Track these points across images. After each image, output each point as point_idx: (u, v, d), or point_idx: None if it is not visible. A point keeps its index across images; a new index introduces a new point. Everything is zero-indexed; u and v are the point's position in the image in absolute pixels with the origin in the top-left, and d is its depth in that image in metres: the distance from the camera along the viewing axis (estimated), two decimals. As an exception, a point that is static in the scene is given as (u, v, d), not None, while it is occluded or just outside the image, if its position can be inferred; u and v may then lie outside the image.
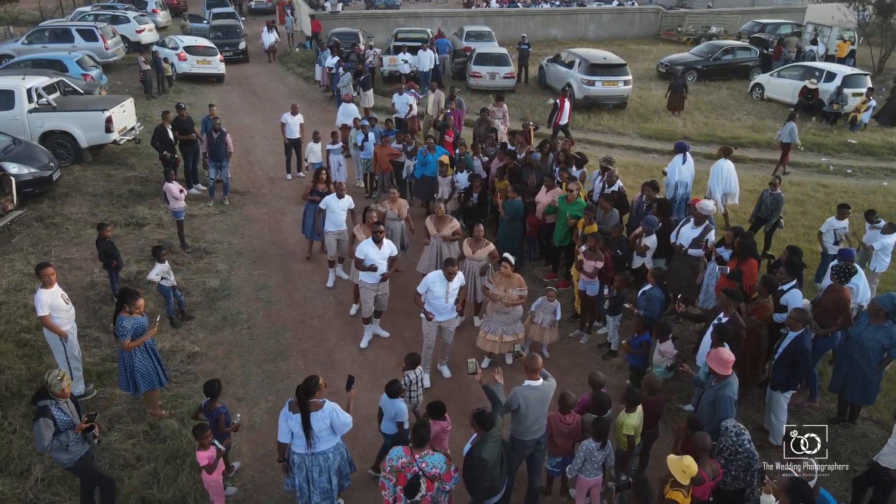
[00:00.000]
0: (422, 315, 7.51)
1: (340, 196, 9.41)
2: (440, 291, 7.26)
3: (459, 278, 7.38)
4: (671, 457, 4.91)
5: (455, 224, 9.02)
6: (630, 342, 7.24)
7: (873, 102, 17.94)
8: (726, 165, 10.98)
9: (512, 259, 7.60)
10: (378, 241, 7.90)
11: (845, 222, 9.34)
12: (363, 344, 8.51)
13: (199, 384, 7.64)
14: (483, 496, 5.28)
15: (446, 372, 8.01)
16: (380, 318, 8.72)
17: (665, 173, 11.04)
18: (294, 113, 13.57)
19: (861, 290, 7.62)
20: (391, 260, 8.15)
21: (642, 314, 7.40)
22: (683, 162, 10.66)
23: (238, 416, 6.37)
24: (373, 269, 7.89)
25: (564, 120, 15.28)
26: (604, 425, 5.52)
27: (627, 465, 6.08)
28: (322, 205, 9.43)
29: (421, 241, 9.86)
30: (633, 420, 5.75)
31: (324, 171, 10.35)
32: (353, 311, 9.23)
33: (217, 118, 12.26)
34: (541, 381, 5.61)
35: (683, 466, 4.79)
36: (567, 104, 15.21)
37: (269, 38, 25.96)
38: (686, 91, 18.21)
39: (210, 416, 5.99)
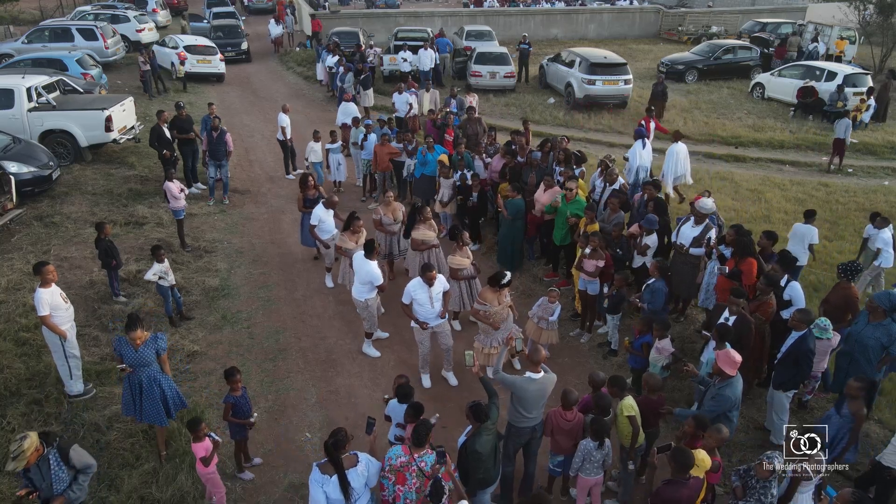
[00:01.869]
0: (413, 325, 7.40)
1: (330, 208, 9.33)
2: (423, 298, 7.18)
3: (441, 282, 7.30)
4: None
5: (434, 225, 9.09)
6: (632, 343, 7.22)
7: (872, 102, 17.86)
8: (679, 148, 11.63)
9: (506, 279, 7.33)
10: (374, 257, 7.78)
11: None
12: (376, 353, 8.33)
13: (198, 383, 7.65)
14: (476, 487, 5.36)
15: (452, 380, 7.85)
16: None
17: (626, 158, 11.63)
18: (287, 112, 13.61)
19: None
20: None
21: (646, 307, 7.42)
22: (643, 147, 11.32)
23: (255, 414, 6.30)
24: (382, 288, 7.86)
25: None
26: (601, 425, 5.51)
27: (635, 458, 6.02)
28: (314, 220, 9.32)
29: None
30: (628, 400, 5.75)
31: (311, 177, 10.22)
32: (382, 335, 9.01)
33: (217, 117, 12.25)
34: (542, 374, 5.70)
35: (697, 461, 4.80)
36: (653, 125, 13.51)
37: (276, 29, 26.54)
38: (665, 98, 17.88)
39: (227, 399, 6.04)
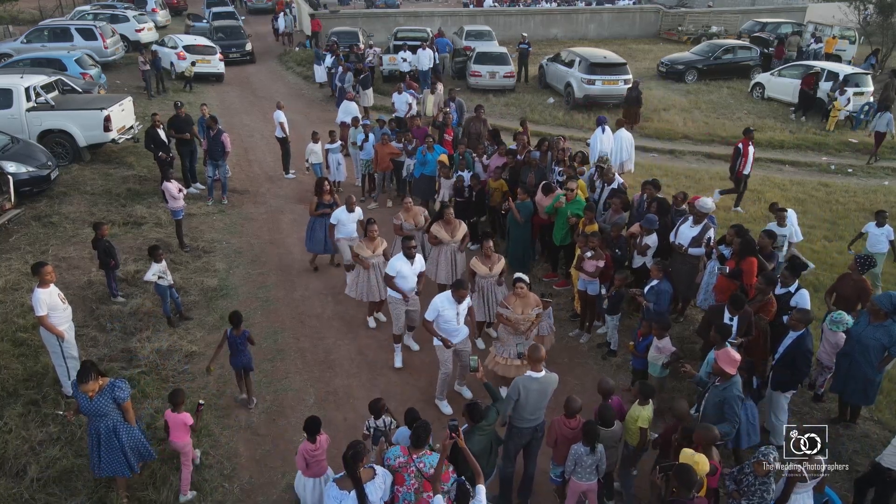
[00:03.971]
0: (436, 342, 7.04)
1: (351, 210, 9.20)
2: (450, 315, 6.83)
3: (467, 299, 7.03)
4: (685, 451, 4.90)
5: (464, 227, 8.81)
6: (636, 345, 7.18)
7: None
8: (625, 135, 12.27)
9: (526, 279, 7.17)
10: (410, 258, 7.58)
11: (785, 229, 9.13)
12: (398, 363, 8.05)
13: (196, 383, 7.63)
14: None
15: (467, 393, 7.61)
16: (412, 331, 8.46)
17: (588, 144, 12.33)
18: (282, 109, 13.59)
19: None
20: (419, 275, 7.78)
21: (651, 307, 7.40)
22: (603, 132, 12.03)
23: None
24: (407, 295, 7.63)
25: (748, 169, 12.07)
26: (592, 430, 5.40)
27: (636, 462, 5.96)
28: (333, 220, 9.23)
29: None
30: (647, 412, 5.68)
31: (328, 182, 10.06)
32: (371, 324, 8.92)
33: (212, 117, 12.20)
34: (543, 372, 5.66)
35: (694, 464, 4.76)
36: (751, 149, 11.92)
37: (282, 23, 27.12)
38: (640, 103, 17.47)
39: (240, 339, 6.79)
